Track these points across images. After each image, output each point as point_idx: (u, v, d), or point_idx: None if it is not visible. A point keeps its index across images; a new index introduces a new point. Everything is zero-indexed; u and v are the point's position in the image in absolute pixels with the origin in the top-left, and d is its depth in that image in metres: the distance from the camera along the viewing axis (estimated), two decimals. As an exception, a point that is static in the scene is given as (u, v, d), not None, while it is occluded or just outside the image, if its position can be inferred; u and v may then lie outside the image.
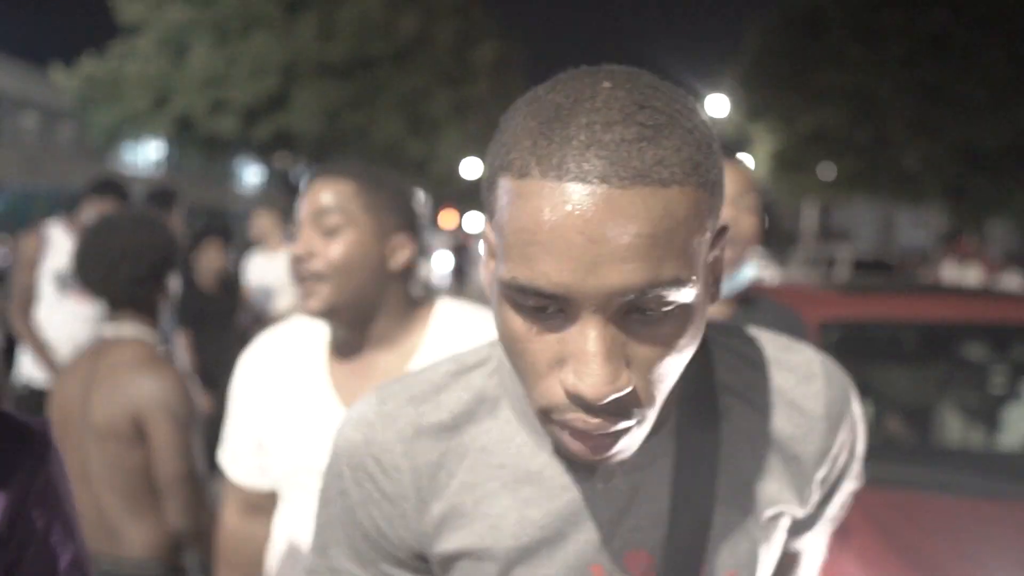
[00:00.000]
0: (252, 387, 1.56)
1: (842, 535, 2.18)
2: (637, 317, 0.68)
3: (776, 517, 0.88)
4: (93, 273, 1.92)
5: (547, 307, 0.68)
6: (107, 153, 36.70)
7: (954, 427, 3.28)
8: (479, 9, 30.90)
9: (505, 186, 0.69)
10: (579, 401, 0.68)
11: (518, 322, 0.70)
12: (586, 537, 0.84)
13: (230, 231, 5.46)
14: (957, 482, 2.62)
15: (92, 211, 4.18)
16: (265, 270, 5.67)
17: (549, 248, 0.65)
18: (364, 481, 0.87)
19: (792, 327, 2.00)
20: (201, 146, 23.53)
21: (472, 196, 45.72)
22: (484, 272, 0.79)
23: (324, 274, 1.41)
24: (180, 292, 4.15)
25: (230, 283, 5.15)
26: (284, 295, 5.50)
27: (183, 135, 22.85)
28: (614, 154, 0.64)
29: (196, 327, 4.83)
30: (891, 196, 20.14)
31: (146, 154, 40.63)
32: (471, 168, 34.91)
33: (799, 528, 0.96)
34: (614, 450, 0.72)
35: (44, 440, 0.86)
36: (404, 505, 0.86)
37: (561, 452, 0.82)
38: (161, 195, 5.09)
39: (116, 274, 1.90)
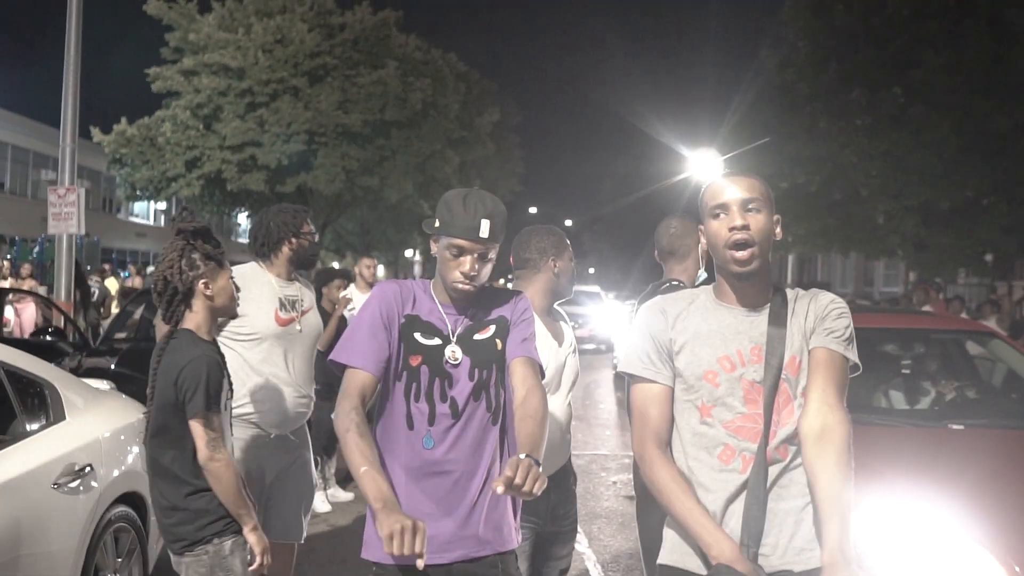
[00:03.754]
0: None
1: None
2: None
3: (800, 334, 2.19)
4: None
5: (720, 214, 2.17)
6: (119, 207, 38.40)
7: (874, 394, 5.08)
8: (478, 76, 33.06)
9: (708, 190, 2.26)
10: (734, 231, 2.14)
11: (715, 224, 2.18)
12: (735, 335, 2.17)
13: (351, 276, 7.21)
14: (870, 419, 4.41)
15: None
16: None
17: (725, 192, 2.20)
18: (655, 317, 2.25)
19: None
20: (231, 201, 25.27)
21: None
22: (702, 233, 2.24)
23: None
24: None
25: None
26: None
27: (212, 191, 24.57)
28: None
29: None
30: (862, 250, 22.15)
31: (153, 207, 42.38)
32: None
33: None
34: (749, 254, 2.13)
35: (523, 295, 2.59)
36: (667, 325, 2.23)
37: (732, 286, 2.20)
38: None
39: None
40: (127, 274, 22.84)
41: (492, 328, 2.46)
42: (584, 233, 78.02)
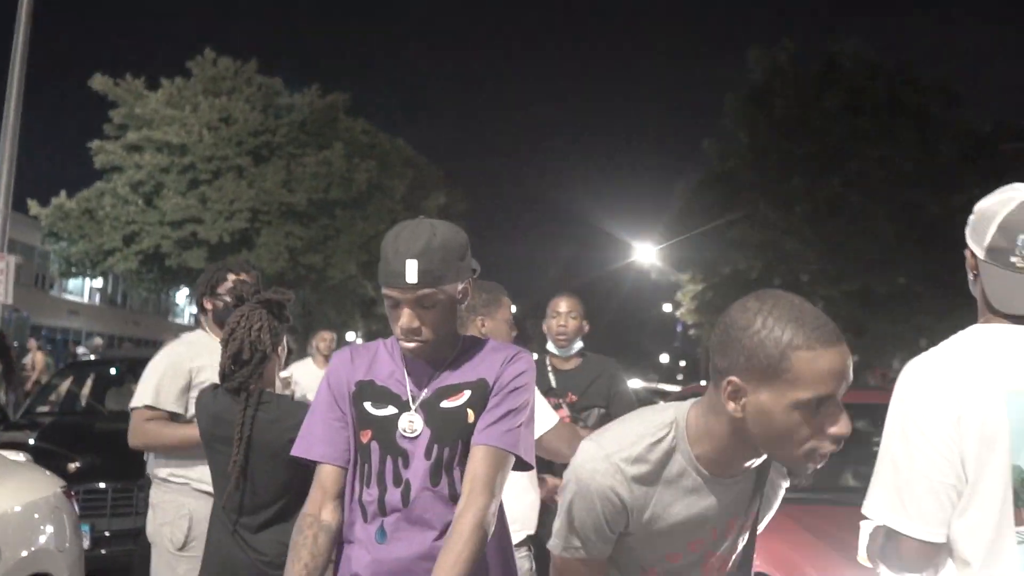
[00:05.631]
0: None
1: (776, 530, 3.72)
2: None
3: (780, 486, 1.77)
4: None
5: (820, 409, 1.42)
6: (52, 283, 37.43)
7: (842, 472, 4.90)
8: (426, 161, 33.37)
9: (803, 356, 1.41)
10: (837, 441, 1.44)
11: (805, 417, 1.43)
12: (714, 516, 1.60)
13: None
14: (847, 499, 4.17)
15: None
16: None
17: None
18: (607, 505, 1.56)
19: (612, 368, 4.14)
20: (169, 279, 24.73)
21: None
22: (735, 406, 1.49)
23: None
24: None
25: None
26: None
27: (150, 267, 24.05)
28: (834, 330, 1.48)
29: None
30: (802, 336, 22.48)
31: (88, 285, 41.40)
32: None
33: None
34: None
35: (522, 354, 1.98)
36: (626, 516, 1.58)
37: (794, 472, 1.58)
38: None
39: None
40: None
41: (466, 394, 1.96)
42: (528, 319, 77.61)
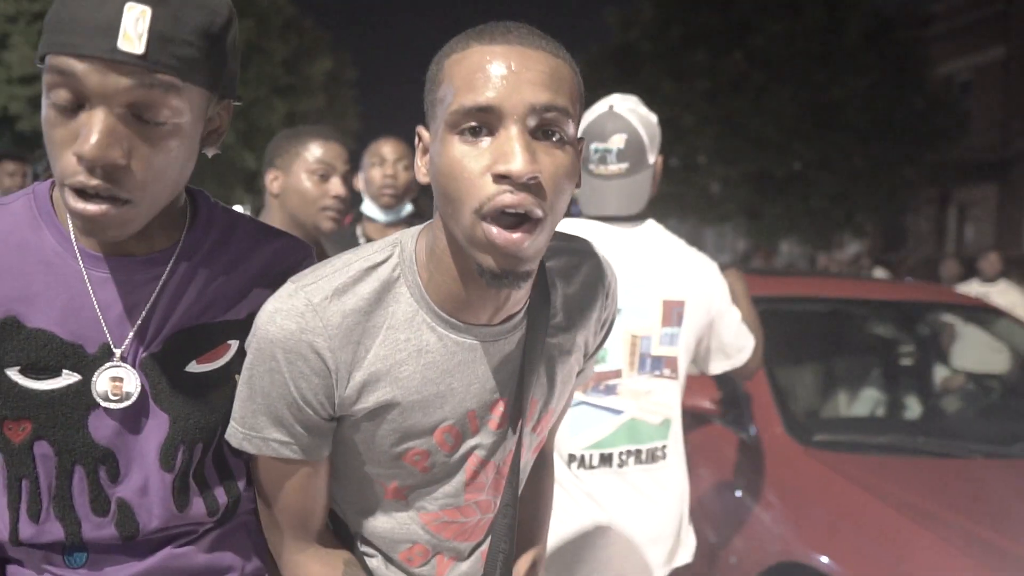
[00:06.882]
0: None
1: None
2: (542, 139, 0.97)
3: (572, 361, 1.22)
4: None
5: (479, 128, 0.95)
6: None
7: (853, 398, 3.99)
8: (311, 24, 31.14)
9: (453, 60, 0.97)
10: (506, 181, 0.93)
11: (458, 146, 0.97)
12: (465, 390, 1.09)
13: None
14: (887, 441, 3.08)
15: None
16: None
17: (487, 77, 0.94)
18: (297, 361, 1.03)
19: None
20: (26, 145, 22.61)
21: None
22: (420, 164, 1.06)
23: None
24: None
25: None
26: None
27: (0, 133, 21.90)
28: (524, 34, 0.98)
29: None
30: (698, 217, 22.25)
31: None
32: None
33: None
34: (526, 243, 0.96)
35: (304, 251, 1.22)
36: (330, 379, 1.04)
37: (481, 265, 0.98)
38: None
39: None
40: None
41: (232, 348, 1.12)
42: (423, 197, 76.58)
